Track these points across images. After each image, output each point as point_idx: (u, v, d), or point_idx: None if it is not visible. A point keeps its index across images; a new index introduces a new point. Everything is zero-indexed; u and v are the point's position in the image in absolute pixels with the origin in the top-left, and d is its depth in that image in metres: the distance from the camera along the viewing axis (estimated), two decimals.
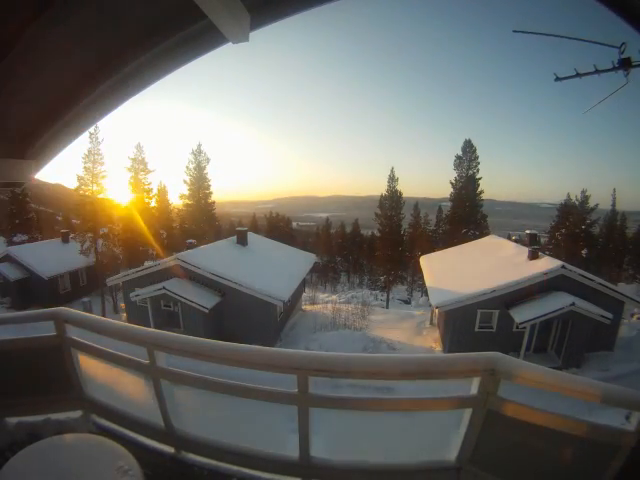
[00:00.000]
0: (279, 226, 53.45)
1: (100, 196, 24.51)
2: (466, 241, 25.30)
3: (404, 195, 33.63)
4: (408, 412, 2.23)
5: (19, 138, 1.69)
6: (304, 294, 24.04)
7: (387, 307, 27.43)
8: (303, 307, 22.46)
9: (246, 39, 1.20)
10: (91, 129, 22.59)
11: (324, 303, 24.64)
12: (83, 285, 25.27)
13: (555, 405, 1.82)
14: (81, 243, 23.96)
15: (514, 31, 2.86)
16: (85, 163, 23.91)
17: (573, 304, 12.61)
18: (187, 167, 31.86)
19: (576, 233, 31.28)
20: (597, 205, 32.64)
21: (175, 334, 2.27)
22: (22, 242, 28.13)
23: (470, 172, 30.33)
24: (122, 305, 20.38)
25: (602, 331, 13.39)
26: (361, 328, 18.09)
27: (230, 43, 1.25)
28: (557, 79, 2.90)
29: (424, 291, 27.02)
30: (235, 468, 2.30)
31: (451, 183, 31.00)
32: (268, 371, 1.99)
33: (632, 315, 18.50)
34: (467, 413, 1.98)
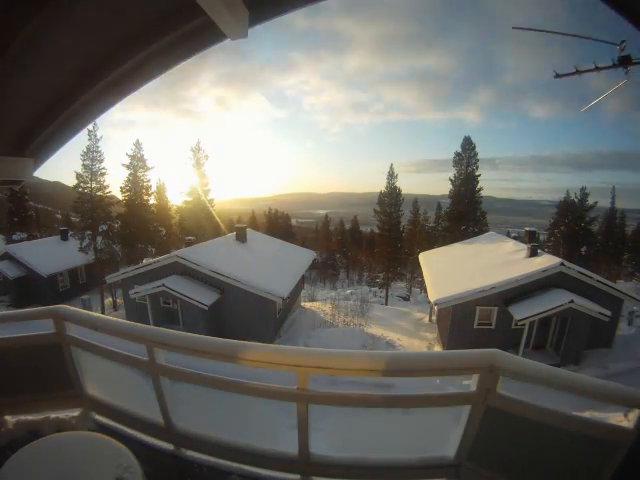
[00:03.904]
0: (278, 223, 53.45)
1: (99, 193, 24.47)
2: (465, 238, 25.32)
3: (403, 192, 33.59)
4: (407, 409, 2.23)
5: (18, 135, 1.68)
6: (303, 291, 24.05)
7: (386, 304, 27.45)
8: (302, 304, 22.48)
9: (245, 35, 1.20)
10: (90, 126, 22.52)
11: (323, 300, 24.65)
12: (82, 283, 25.27)
13: (553, 402, 1.83)
14: (80, 240, 23.91)
15: (514, 28, 2.86)
16: (84, 160, 23.86)
17: (572, 301, 12.63)
18: (186, 164, 31.73)
19: (575, 230, 31.30)
20: (596, 203, 32.67)
21: (174, 331, 2.27)
22: (21, 240, 28.18)
23: (469, 169, 30.25)
24: (121, 302, 20.38)
25: (601, 328, 13.43)
26: (360, 325, 18.11)
27: (229, 39, 1.25)
28: (557, 76, 2.90)
29: (423, 288, 27.06)
30: (235, 465, 2.31)
31: (450, 180, 30.96)
32: (267, 368, 1.99)
33: (630, 313, 18.29)
34: (466, 410, 1.99)
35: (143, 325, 2.40)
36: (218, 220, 29.62)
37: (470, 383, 1.93)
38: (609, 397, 1.73)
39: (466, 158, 30.35)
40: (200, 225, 29.89)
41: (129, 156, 27.54)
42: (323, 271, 47.01)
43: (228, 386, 2.15)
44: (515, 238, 22.14)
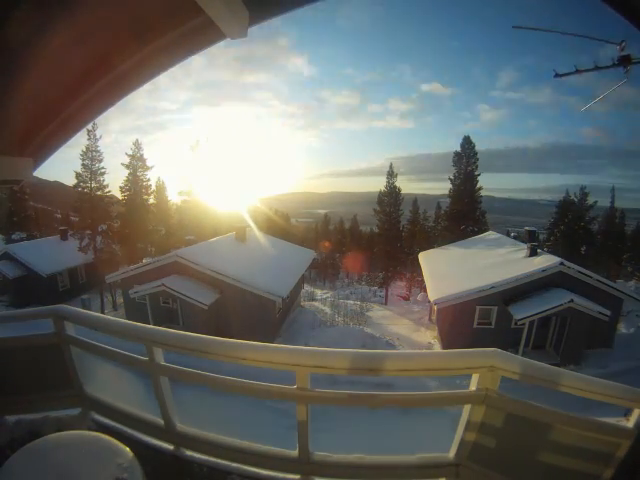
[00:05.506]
0: (278, 222, 53.37)
1: (98, 193, 24.46)
2: (465, 237, 25.32)
3: (402, 191, 33.56)
4: (407, 408, 2.23)
5: (17, 135, 1.68)
6: (303, 290, 24.05)
7: (386, 303, 27.46)
8: (302, 303, 22.48)
9: (245, 35, 1.19)
10: (89, 126, 22.50)
11: (323, 299, 24.65)
12: (82, 282, 25.25)
13: (553, 401, 1.83)
14: (80, 240, 23.88)
15: (514, 27, 2.86)
16: (83, 160, 23.86)
17: (571, 301, 12.64)
18: (186, 163, 31.73)
19: (575, 230, 31.27)
20: (596, 202, 32.64)
21: (174, 331, 2.26)
22: (21, 240, 28.14)
23: (469, 169, 30.23)
24: (121, 302, 20.37)
25: (601, 328, 13.44)
26: (360, 324, 18.12)
27: (229, 39, 1.24)
28: (556, 75, 2.89)
29: (423, 287, 27.05)
30: (235, 465, 2.30)
31: (450, 179, 30.93)
32: (267, 367, 1.99)
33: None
34: (466, 409, 1.99)
35: (143, 325, 2.40)
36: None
37: (470, 383, 1.93)
38: (609, 396, 1.73)
39: (465, 157, 30.33)
40: (200, 224, 29.83)
41: (129, 156, 27.56)
42: (323, 270, 46.99)
43: (228, 386, 2.15)
44: (515, 237, 22.11)
